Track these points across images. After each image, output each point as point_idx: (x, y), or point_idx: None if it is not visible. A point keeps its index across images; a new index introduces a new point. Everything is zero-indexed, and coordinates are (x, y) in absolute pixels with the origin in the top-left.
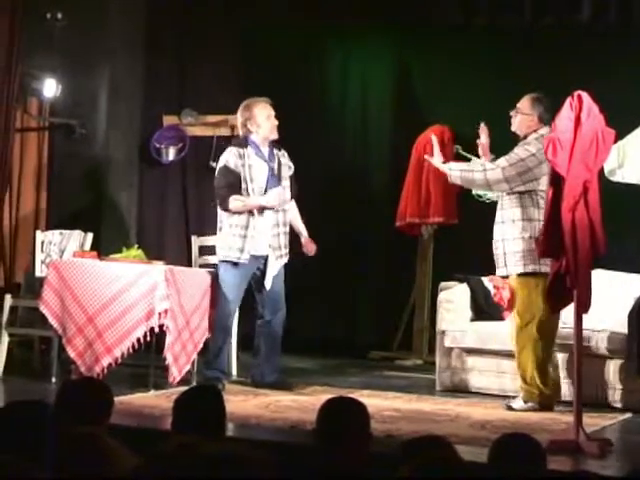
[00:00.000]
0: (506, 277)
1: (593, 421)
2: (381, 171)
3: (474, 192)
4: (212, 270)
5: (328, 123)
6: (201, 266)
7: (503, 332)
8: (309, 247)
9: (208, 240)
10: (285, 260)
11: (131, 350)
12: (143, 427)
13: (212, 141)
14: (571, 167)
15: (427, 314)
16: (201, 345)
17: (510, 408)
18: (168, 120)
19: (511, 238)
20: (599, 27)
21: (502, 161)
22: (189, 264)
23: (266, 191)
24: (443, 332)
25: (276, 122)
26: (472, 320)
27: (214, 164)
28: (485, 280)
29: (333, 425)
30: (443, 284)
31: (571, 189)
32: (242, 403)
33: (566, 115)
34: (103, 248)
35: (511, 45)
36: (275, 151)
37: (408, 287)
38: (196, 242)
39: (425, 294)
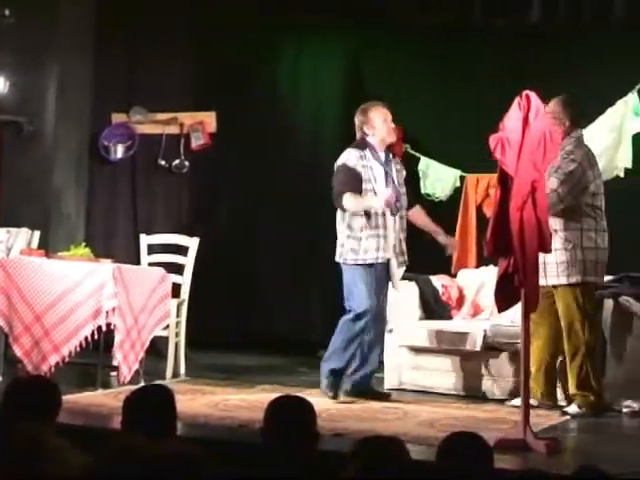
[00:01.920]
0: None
1: (540, 420)
2: (332, 168)
3: (423, 191)
4: (160, 268)
5: (279, 120)
6: (150, 264)
7: (451, 331)
8: (449, 246)
9: (156, 238)
10: (404, 268)
11: (79, 349)
12: (91, 426)
13: (161, 139)
14: (519, 167)
15: None
16: (148, 344)
17: (565, 413)
18: (117, 118)
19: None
20: (548, 27)
21: (552, 182)
22: (138, 262)
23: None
24: (391, 331)
25: (392, 125)
26: (421, 319)
27: (163, 162)
28: (434, 279)
29: (280, 424)
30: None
31: (519, 188)
32: (190, 402)
33: (514, 115)
34: (51, 246)
35: (462, 44)
36: (390, 157)
37: None
38: (144, 240)
39: None
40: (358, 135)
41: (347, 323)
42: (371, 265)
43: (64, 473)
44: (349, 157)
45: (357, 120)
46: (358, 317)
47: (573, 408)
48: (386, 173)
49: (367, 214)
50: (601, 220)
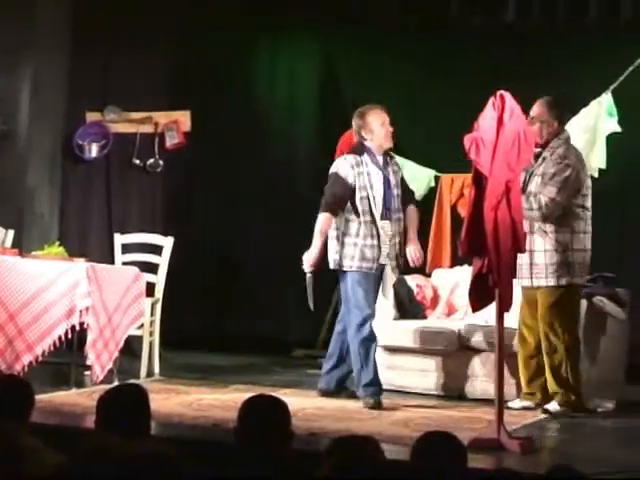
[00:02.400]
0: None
1: (515, 419)
2: (307, 167)
3: None
4: (134, 267)
5: (255, 120)
6: (124, 263)
7: (426, 330)
8: (411, 260)
9: (131, 237)
10: (398, 272)
11: (52, 348)
12: (64, 426)
13: (135, 138)
14: (493, 167)
15: None
16: (122, 343)
17: (546, 411)
18: (91, 117)
19: (542, 250)
20: (523, 28)
21: (549, 191)
22: (112, 261)
23: (385, 199)
24: None
25: (391, 129)
26: (395, 319)
27: (137, 161)
28: (408, 279)
29: (254, 423)
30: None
31: (493, 188)
32: (164, 401)
33: (489, 115)
34: (25, 245)
35: (437, 44)
36: (388, 159)
37: (333, 285)
38: (119, 239)
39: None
40: (356, 139)
41: (354, 335)
42: (367, 273)
43: (38, 473)
44: (342, 165)
45: (354, 124)
46: (361, 325)
47: (553, 406)
48: (385, 177)
49: (361, 222)
50: (589, 221)
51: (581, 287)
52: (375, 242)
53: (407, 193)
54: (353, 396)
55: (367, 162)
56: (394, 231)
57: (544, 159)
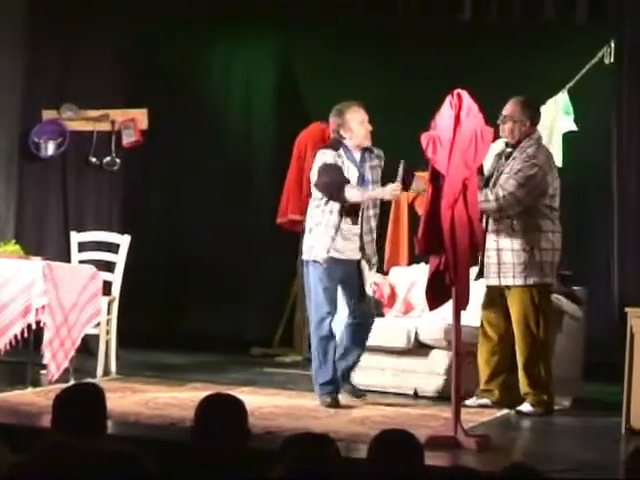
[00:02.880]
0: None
1: (471, 417)
2: (264, 167)
3: None
4: (91, 266)
5: (211, 119)
6: (80, 262)
7: (382, 329)
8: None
9: (87, 236)
10: (374, 270)
11: (8, 347)
12: (20, 425)
13: (92, 136)
14: (450, 165)
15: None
16: (79, 342)
17: (519, 412)
18: (48, 114)
19: (509, 249)
20: (480, 26)
21: (511, 185)
22: (68, 260)
23: None
24: None
25: (370, 127)
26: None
27: (94, 159)
28: None
29: (210, 422)
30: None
31: (450, 187)
32: (121, 400)
33: (446, 113)
34: None
35: (393, 41)
36: (366, 155)
37: (289, 283)
38: (75, 238)
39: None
40: (333, 136)
41: (314, 333)
42: (329, 268)
43: None
44: (327, 156)
45: (332, 121)
46: (320, 323)
47: (526, 407)
48: (360, 174)
49: (330, 212)
50: (557, 221)
51: (551, 286)
52: (339, 236)
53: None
54: (354, 393)
55: (344, 157)
56: (369, 227)
57: (514, 158)
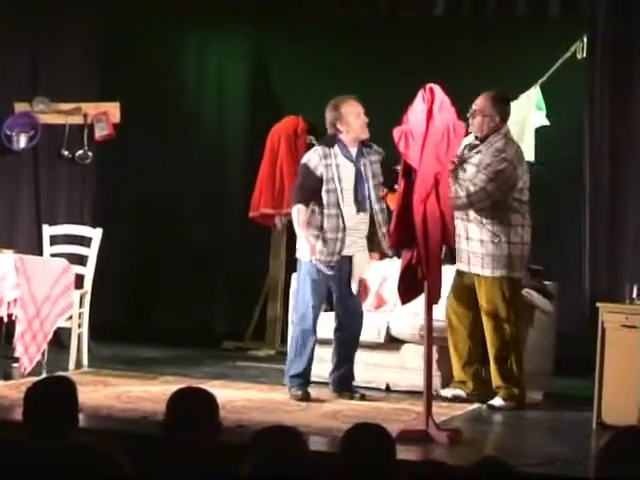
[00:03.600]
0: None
1: (443, 411)
2: (237, 161)
3: None
4: (63, 259)
5: (184, 113)
6: (52, 255)
7: None
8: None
9: (59, 229)
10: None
11: None
12: None
13: (65, 129)
14: (423, 159)
15: (280, 304)
16: (51, 335)
17: (491, 407)
18: (19, 107)
19: (478, 239)
20: (453, 21)
21: (480, 180)
22: (40, 253)
23: (356, 191)
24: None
25: (366, 119)
26: (325, 310)
27: (66, 152)
28: None
29: (182, 415)
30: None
31: (423, 181)
32: (93, 394)
33: (418, 108)
34: None
35: (366, 36)
36: (364, 150)
37: (262, 277)
38: (47, 231)
39: (278, 284)
40: (330, 131)
41: (296, 326)
42: (320, 265)
43: None
44: (312, 156)
45: (329, 116)
46: (303, 317)
47: (498, 401)
48: (357, 170)
49: (324, 215)
50: (527, 215)
51: (520, 280)
52: (339, 235)
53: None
54: (363, 398)
55: (337, 154)
56: (378, 222)
57: (479, 152)
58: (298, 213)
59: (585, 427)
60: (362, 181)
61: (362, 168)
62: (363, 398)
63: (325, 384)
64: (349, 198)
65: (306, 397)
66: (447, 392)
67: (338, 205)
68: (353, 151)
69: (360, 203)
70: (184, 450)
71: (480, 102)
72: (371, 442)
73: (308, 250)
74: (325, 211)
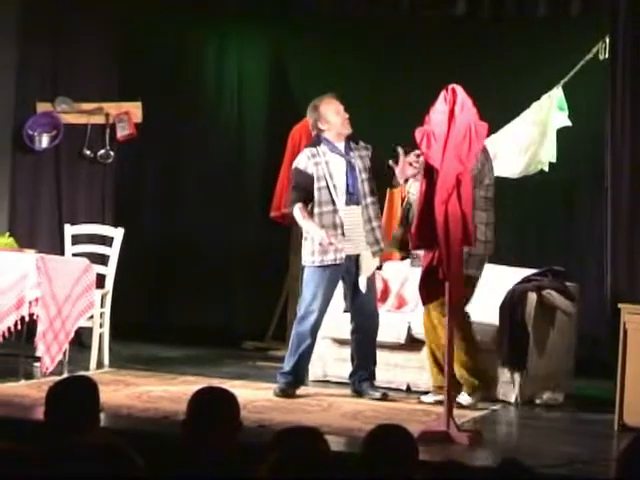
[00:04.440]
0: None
1: (463, 412)
2: (256, 160)
3: None
4: (84, 259)
5: (204, 113)
6: (74, 255)
7: None
8: None
9: (81, 228)
10: (378, 258)
11: (1, 339)
12: (13, 417)
13: (86, 129)
14: (444, 160)
15: None
16: (72, 334)
17: (459, 405)
18: (42, 107)
19: None
20: (474, 21)
21: None
22: (62, 253)
23: (348, 186)
24: None
25: (346, 115)
26: (345, 311)
27: (88, 152)
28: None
29: (202, 415)
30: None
31: (444, 182)
32: (114, 393)
33: (440, 108)
34: None
35: (387, 36)
36: (352, 145)
37: (282, 278)
38: (69, 231)
39: (298, 284)
40: (314, 133)
41: (295, 326)
42: (326, 267)
43: None
44: (300, 159)
45: (310, 118)
46: (302, 319)
47: (464, 397)
48: (348, 163)
49: (318, 214)
50: (492, 213)
51: (476, 280)
52: (337, 232)
53: (381, 174)
54: (384, 397)
55: (325, 152)
56: (367, 216)
57: None
58: (299, 211)
59: (606, 429)
60: (353, 174)
61: (352, 161)
62: (385, 397)
63: (346, 384)
64: (342, 194)
65: (284, 394)
66: (429, 398)
67: (332, 201)
68: (341, 146)
69: (351, 195)
70: (204, 450)
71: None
72: (394, 443)
73: (319, 239)
74: (319, 210)
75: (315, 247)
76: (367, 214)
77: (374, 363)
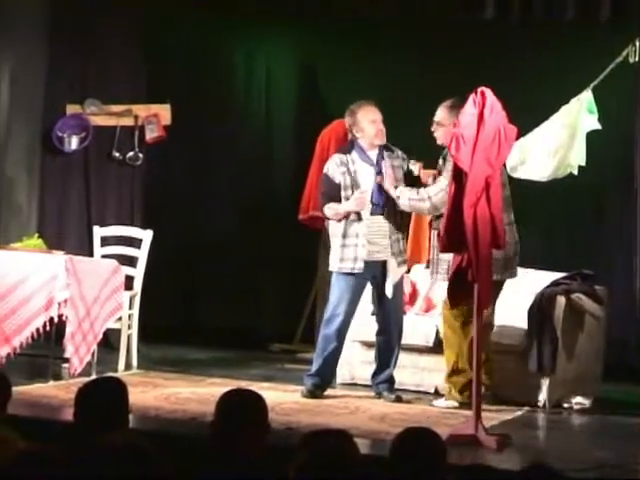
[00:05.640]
0: None
1: (491, 415)
2: (285, 163)
3: None
4: (113, 260)
5: (233, 115)
6: (103, 256)
7: (404, 326)
8: None
9: (110, 230)
10: (405, 267)
11: (30, 340)
12: (41, 418)
13: (115, 131)
14: (473, 163)
15: None
16: (101, 336)
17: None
18: (71, 109)
19: None
20: (503, 25)
21: (443, 182)
22: (90, 254)
23: (373, 194)
24: None
25: (381, 126)
26: (373, 314)
27: (117, 154)
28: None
29: (230, 417)
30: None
31: (473, 185)
32: (142, 395)
33: (469, 111)
34: (3, 237)
35: (415, 40)
36: (386, 154)
37: (311, 280)
38: (98, 232)
39: (327, 287)
40: (349, 137)
41: (322, 329)
42: (349, 274)
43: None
44: (330, 165)
45: (347, 121)
46: (328, 322)
47: (442, 402)
48: (379, 173)
49: (344, 222)
50: (510, 214)
51: (500, 283)
52: (359, 241)
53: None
54: (399, 400)
55: (355, 160)
56: (392, 227)
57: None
58: (330, 209)
59: (634, 432)
60: (380, 185)
61: (382, 171)
62: (399, 400)
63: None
64: (369, 202)
65: (311, 395)
66: (440, 403)
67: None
68: (372, 154)
69: (376, 206)
70: (232, 452)
71: (438, 114)
72: (422, 446)
73: (355, 205)
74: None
75: (338, 254)
76: (392, 225)
77: (394, 366)
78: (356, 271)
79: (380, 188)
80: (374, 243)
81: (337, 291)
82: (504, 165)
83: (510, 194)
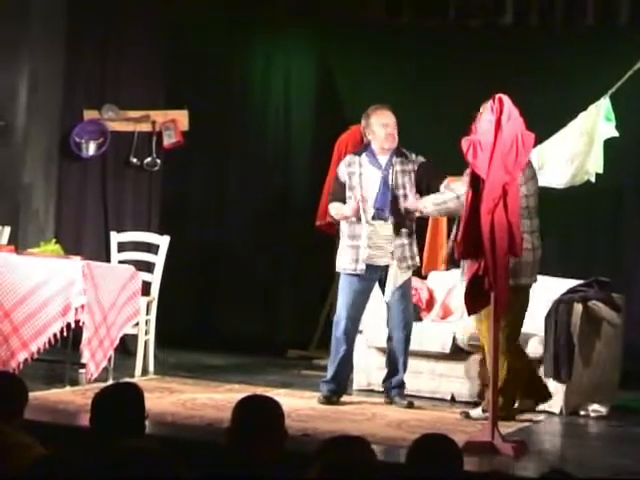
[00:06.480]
0: None
1: (508, 422)
2: (303, 168)
3: None
4: (130, 266)
5: (251, 121)
6: (120, 262)
7: (420, 333)
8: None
9: (127, 236)
10: (410, 272)
11: (47, 345)
12: (58, 423)
13: (133, 137)
14: (491, 170)
15: None
16: (117, 341)
17: (467, 415)
18: (89, 114)
19: None
20: (521, 31)
21: (459, 188)
22: (107, 260)
23: (376, 199)
24: (360, 332)
25: (391, 131)
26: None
27: (134, 160)
28: None
29: (247, 423)
30: None
31: (490, 192)
32: (158, 400)
33: (487, 118)
34: (20, 242)
35: (434, 45)
36: (395, 159)
37: (327, 286)
38: (115, 238)
39: None
40: (365, 140)
41: (333, 332)
42: (352, 275)
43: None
44: (340, 165)
45: (362, 124)
46: (335, 325)
47: (477, 412)
48: (383, 179)
49: (349, 223)
50: (535, 220)
51: (528, 287)
52: (360, 243)
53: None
54: (410, 406)
55: (363, 162)
56: (396, 232)
57: None
58: (333, 208)
59: None
60: (386, 190)
61: (389, 177)
62: (410, 406)
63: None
64: (370, 207)
65: (328, 402)
66: (477, 413)
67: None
68: (382, 159)
69: (378, 210)
70: (249, 458)
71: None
72: (439, 453)
73: (351, 210)
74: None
75: (341, 254)
76: (396, 230)
77: (403, 372)
78: (358, 272)
79: (384, 193)
80: (377, 247)
81: (342, 293)
82: (535, 174)
83: (538, 203)
